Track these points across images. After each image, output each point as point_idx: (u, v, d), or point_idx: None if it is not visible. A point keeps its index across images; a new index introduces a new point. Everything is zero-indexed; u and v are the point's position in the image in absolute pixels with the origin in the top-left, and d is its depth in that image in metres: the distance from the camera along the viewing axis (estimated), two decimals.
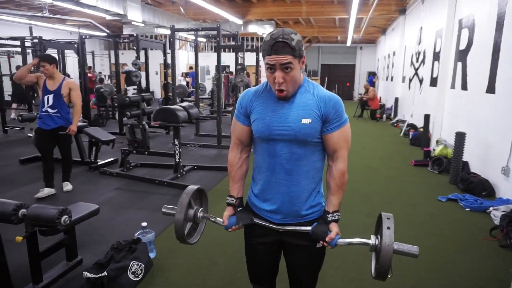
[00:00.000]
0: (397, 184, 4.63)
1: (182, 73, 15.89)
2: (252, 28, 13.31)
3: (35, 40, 6.98)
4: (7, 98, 11.45)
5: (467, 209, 3.71)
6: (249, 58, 16.35)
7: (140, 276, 2.35)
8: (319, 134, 1.35)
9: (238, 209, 1.49)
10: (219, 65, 6.23)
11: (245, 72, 6.16)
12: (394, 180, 4.78)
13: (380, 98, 14.85)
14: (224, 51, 15.67)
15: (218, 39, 6.07)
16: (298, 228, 1.41)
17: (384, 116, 11.11)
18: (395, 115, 10.82)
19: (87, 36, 7.17)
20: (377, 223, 1.44)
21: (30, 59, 9.25)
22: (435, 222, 3.43)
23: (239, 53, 6.58)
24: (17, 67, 7.48)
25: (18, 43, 7.34)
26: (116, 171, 4.73)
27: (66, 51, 8.61)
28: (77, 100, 3.92)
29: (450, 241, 3.04)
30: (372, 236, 1.36)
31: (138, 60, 6.55)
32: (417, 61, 8.69)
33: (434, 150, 5.68)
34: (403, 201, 3.96)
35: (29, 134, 6.70)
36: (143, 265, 2.39)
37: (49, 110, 3.80)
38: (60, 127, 3.85)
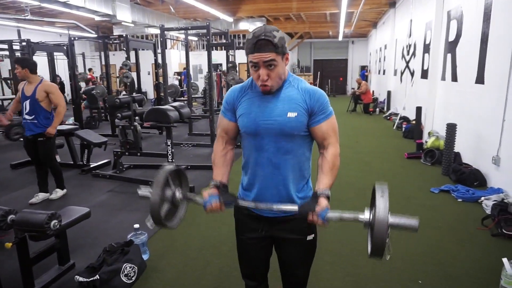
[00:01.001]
0: (391, 177, 4.65)
1: (175, 73, 15.82)
2: (243, 26, 13.29)
3: (23, 43, 6.88)
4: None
5: (459, 200, 3.74)
6: (242, 56, 16.33)
7: (134, 278, 2.34)
8: (306, 127, 1.36)
9: (221, 190, 1.42)
10: (210, 63, 6.21)
11: (236, 69, 6.15)
12: (388, 173, 4.80)
13: (373, 92, 14.90)
14: (216, 49, 15.63)
15: (208, 37, 6.04)
16: (284, 207, 1.31)
17: (377, 109, 11.15)
18: (388, 108, 10.87)
19: (76, 38, 7.10)
20: (372, 197, 1.27)
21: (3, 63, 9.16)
22: (429, 214, 3.45)
23: (230, 51, 6.55)
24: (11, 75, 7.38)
25: (6, 46, 7.24)
26: (109, 174, 4.70)
27: (57, 53, 8.54)
28: (58, 101, 3.68)
29: (444, 232, 3.06)
30: (365, 210, 1.23)
31: (128, 61, 6.49)
32: (408, 53, 8.72)
33: (426, 142, 5.71)
34: (397, 194, 3.98)
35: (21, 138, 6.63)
36: (136, 267, 2.37)
37: (27, 117, 3.61)
38: (38, 134, 3.66)
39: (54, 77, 8.07)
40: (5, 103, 11.35)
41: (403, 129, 7.52)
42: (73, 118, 7.90)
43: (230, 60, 6.33)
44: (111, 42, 7.50)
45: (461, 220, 3.28)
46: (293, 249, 1.48)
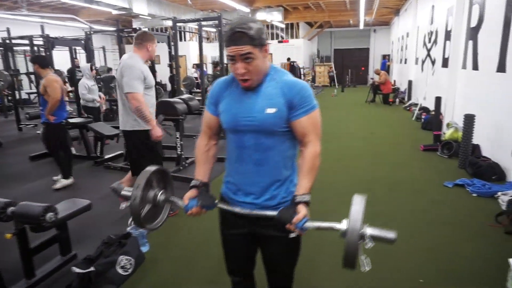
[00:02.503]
0: (403, 170, 4.49)
1: (194, 64, 15.88)
2: (260, 16, 13.13)
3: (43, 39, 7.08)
4: (25, 96, 11.82)
5: (474, 195, 3.57)
6: None
7: (130, 270, 2.37)
8: (287, 122, 1.30)
9: (201, 191, 1.43)
10: (221, 55, 6.17)
11: None
12: (401, 166, 4.64)
13: (394, 81, 14.47)
14: None
15: (219, 28, 5.99)
16: (263, 212, 1.31)
17: (397, 100, 10.81)
18: (409, 98, 10.51)
19: (92, 32, 7.22)
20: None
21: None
22: (439, 209, 3.31)
23: None
24: None
25: (27, 42, 7.47)
26: (120, 165, 4.79)
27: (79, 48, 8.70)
28: (51, 94, 3.83)
29: (452, 229, 2.93)
30: (343, 220, 1.21)
31: None
32: (429, 41, 8.36)
33: (444, 133, 5.48)
34: (407, 188, 3.84)
35: (37, 132, 6.87)
36: (133, 259, 2.40)
37: (41, 108, 4.06)
38: (43, 123, 4.07)
39: (73, 70, 8.26)
40: (32, 96, 11.80)
41: (422, 120, 7.26)
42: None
43: None
44: (127, 35, 7.57)
45: (474, 216, 3.13)
46: (276, 246, 1.45)
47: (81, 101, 6.25)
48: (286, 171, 1.38)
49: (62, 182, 4.16)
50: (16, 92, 9.59)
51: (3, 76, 8.00)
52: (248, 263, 1.57)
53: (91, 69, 6.30)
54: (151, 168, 1.40)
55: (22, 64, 12.42)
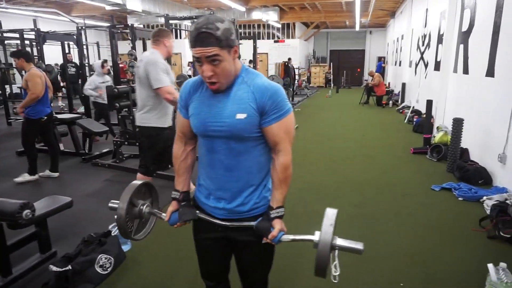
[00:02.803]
0: (393, 173, 4.50)
1: (189, 63, 15.82)
2: (256, 15, 13.10)
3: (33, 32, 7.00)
4: (16, 90, 11.67)
5: (460, 199, 3.58)
6: (261, 46, 16.11)
7: (109, 269, 2.34)
8: (258, 128, 1.26)
9: (182, 204, 1.44)
10: None
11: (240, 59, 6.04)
12: (390, 169, 4.65)
13: (388, 84, 14.53)
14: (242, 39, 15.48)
15: None
16: (242, 223, 1.34)
17: (390, 102, 10.84)
18: (402, 101, 10.54)
19: (83, 27, 7.15)
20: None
21: (30, 51, 9.34)
22: (424, 212, 3.31)
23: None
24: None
25: (17, 35, 7.37)
26: (108, 163, 4.74)
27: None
28: (32, 89, 3.83)
29: (436, 233, 2.93)
30: (316, 232, 1.26)
31: (133, 51, 6.50)
32: (423, 44, 8.39)
33: (434, 137, 5.50)
34: (395, 191, 3.84)
35: None
36: (112, 258, 2.37)
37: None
38: (24, 117, 4.03)
39: (64, 66, 8.19)
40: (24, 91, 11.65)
41: (414, 123, 7.28)
42: (83, 107, 8.04)
43: None
44: (119, 31, 7.50)
45: (458, 220, 3.14)
46: (249, 251, 1.43)
47: (91, 97, 6.31)
48: (259, 176, 1.35)
49: (26, 177, 4.16)
50: (8, 86, 9.52)
51: None
52: (222, 268, 1.54)
53: (102, 66, 6.22)
54: (137, 182, 1.46)
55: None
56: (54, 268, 2.15)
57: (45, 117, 4.00)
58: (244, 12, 12.71)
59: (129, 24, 6.46)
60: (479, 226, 2.97)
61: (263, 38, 17.68)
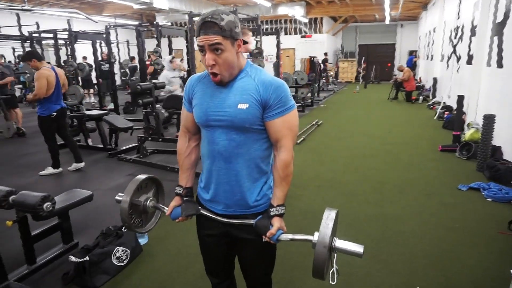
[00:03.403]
0: (416, 171, 4.34)
1: None
2: (282, 10, 13.00)
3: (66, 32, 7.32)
4: None
5: (489, 200, 3.40)
6: (286, 41, 15.99)
7: (126, 261, 2.41)
8: (260, 121, 1.26)
9: (185, 199, 1.46)
10: None
11: (263, 56, 6.03)
12: (414, 167, 4.49)
13: (420, 78, 14.00)
14: (265, 35, 15.44)
15: None
16: (242, 221, 1.34)
17: (421, 98, 10.43)
18: (433, 96, 10.13)
19: (111, 26, 7.39)
20: None
21: (63, 50, 9.78)
22: (448, 213, 3.17)
23: (257, 36, 6.43)
24: (65, 61, 7.93)
25: (51, 35, 7.72)
26: (132, 158, 4.89)
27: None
28: (36, 88, 4.04)
29: (459, 235, 2.80)
30: (316, 233, 1.24)
31: (158, 48, 6.64)
32: (455, 37, 8.00)
33: (464, 134, 5.24)
34: (418, 190, 3.70)
35: None
36: (129, 251, 2.44)
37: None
38: (38, 116, 4.25)
39: (96, 64, 8.48)
40: None
41: (444, 119, 6.98)
42: (112, 103, 8.33)
43: (257, 46, 6.23)
44: (146, 29, 7.67)
45: (484, 222, 2.98)
46: (250, 249, 1.43)
47: (162, 92, 6.45)
48: (259, 171, 1.34)
49: (49, 171, 4.42)
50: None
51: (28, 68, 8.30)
52: (226, 265, 1.55)
53: (171, 61, 6.26)
54: (141, 176, 1.50)
55: (52, 57, 12.89)
56: (73, 259, 2.25)
57: (55, 113, 4.21)
58: (270, 7, 12.64)
59: (155, 22, 6.59)
60: (508, 229, 2.81)
61: (289, 34, 17.52)
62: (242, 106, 1.23)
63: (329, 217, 1.22)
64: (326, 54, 15.66)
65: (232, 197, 1.34)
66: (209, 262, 1.56)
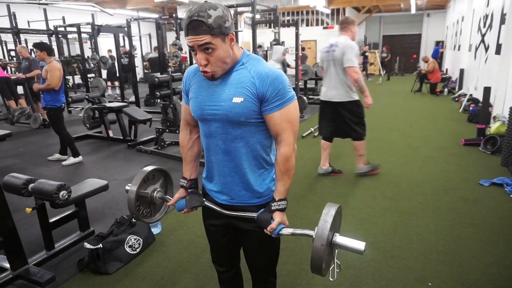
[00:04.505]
0: (436, 165, 4.20)
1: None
2: (303, 1, 12.79)
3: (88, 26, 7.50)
4: (78, 81, 12.61)
5: None
6: (307, 33, 15.72)
7: (138, 249, 2.48)
8: (257, 114, 1.23)
9: (189, 191, 1.47)
10: (254, 42, 6.12)
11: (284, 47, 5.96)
12: (434, 161, 4.35)
13: (446, 70, 13.51)
14: (283, 27, 15.27)
15: (252, 15, 5.93)
16: (244, 214, 1.34)
17: (446, 90, 10.06)
18: (460, 88, 9.75)
19: (132, 20, 7.51)
20: None
21: (87, 44, 10.02)
22: (468, 209, 3.06)
23: (275, 28, 6.37)
24: (90, 58, 8.17)
25: (75, 29, 7.93)
26: (150, 149, 4.98)
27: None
28: (50, 80, 4.16)
29: (477, 231, 2.70)
30: (316, 227, 1.21)
31: (178, 41, 6.71)
32: (484, 26, 7.64)
33: (489, 127, 5.03)
34: (436, 185, 3.59)
35: (79, 115, 7.32)
36: (141, 240, 2.51)
37: (41, 92, 4.39)
38: (44, 108, 4.39)
39: (118, 56, 8.66)
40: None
41: (470, 112, 6.71)
42: (134, 96, 8.50)
43: (275, 38, 6.17)
44: (166, 22, 7.75)
45: (505, 219, 2.86)
46: (253, 240, 1.43)
47: None
48: (260, 164, 1.33)
49: (71, 160, 4.60)
50: (70, 77, 10.33)
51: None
52: (230, 254, 1.56)
53: (284, 54, 5.99)
54: (148, 168, 1.54)
55: (78, 51, 13.24)
56: (88, 246, 2.33)
57: (63, 104, 4.42)
58: None
59: (174, 15, 6.65)
60: None
61: (311, 25, 17.26)
62: (237, 100, 1.20)
63: (328, 214, 1.19)
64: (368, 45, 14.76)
65: (234, 188, 1.34)
66: (214, 251, 1.57)
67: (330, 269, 1.23)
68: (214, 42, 1.12)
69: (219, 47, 1.14)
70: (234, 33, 1.19)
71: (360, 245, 1.17)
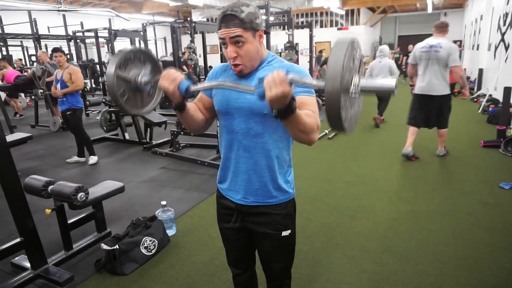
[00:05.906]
0: (453, 168, 4.11)
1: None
2: (317, 2, 12.74)
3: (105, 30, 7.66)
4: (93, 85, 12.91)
5: None
6: (321, 34, 15.65)
7: (153, 251, 2.51)
8: None
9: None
10: (268, 44, 6.13)
11: (294, 50, 5.96)
12: (451, 164, 4.26)
13: (465, 70, 13.19)
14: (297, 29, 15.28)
15: (266, 17, 5.95)
16: (243, 87, 1.10)
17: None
18: (479, 89, 9.51)
19: (148, 24, 7.63)
20: None
21: (104, 49, 10.23)
22: (487, 212, 2.99)
23: (289, 30, 6.36)
24: (106, 63, 8.38)
25: (93, 34, 8.12)
26: (165, 151, 5.05)
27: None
28: (76, 81, 4.40)
29: (497, 236, 2.63)
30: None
31: (192, 44, 6.78)
32: (504, 24, 7.45)
33: (510, 129, 4.90)
34: (454, 188, 3.52)
35: (96, 118, 7.47)
36: (157, 241, 2.54)
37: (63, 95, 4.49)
38: (66, 110, 4.50)
39: None
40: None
41: (489, 113, 6.54)
42: None
43: (289, 40, 6.17)
44: (181, 26, 7.85)
45: None
46: (267, 243, 1.44)
47: None
48: (278, 163, 1.34)
49: (93, 159, 4.75)
50: (88, 80, 10.59)
51: None
52: (246, 257, 1.57)
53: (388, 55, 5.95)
54: (126, 48, 1.36)
55: (96, 55, 13.57)
56: (105, 247, 2.38)
57: (82, 105, 4.62)
58: (305, 0, 12.44)
59: (188, 19, 6.72)
60: None
61: (325, 26, 17.17)
62: None
63: (339, 45, 0.90)
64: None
65: (251, 186, 1.35)
66: (230, 253, 1.58)
67: (349, 117, 0.97)
68: (245, 36, 1.17)
69: (249, 41, 1.19)
70: (263, 30, 1.23)
71: (390, 81, 0.88)
